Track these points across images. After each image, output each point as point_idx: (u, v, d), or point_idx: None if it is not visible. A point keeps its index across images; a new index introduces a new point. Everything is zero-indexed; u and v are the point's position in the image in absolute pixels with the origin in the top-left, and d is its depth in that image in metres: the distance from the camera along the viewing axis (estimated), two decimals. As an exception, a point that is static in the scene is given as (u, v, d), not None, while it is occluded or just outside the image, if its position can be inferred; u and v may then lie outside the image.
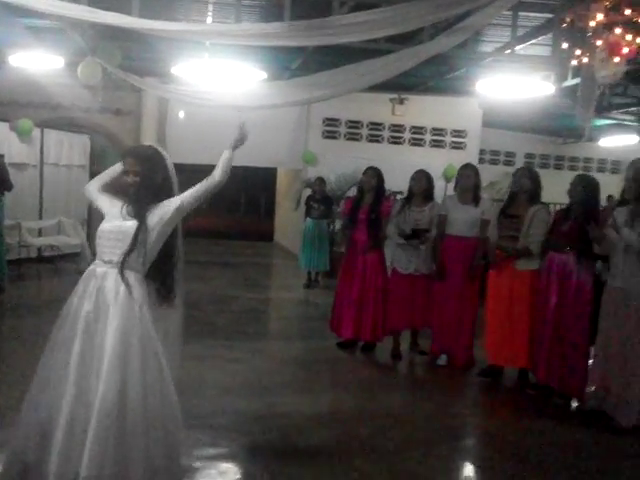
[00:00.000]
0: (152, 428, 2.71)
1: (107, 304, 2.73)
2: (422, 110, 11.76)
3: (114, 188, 3.03)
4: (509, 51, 7.08)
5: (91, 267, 2.85)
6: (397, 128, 11.99)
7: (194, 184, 2.92)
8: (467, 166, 5.49)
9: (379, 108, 11.67)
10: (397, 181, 7.52)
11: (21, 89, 9.70)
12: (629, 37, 4.38)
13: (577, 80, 6.23)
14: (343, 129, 11.90)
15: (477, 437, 4.11)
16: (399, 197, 6.69)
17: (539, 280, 4.68)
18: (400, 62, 5.57)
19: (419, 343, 5.75)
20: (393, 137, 12.02)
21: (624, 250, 4.07)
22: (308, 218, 9.17)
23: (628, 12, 4.39)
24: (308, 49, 7.74)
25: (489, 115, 11.80)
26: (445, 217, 5.27)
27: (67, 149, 10.21)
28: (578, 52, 4.76)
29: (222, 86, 7.20)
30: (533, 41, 7.25)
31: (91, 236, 3.07)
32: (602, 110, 10.23)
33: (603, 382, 4.25)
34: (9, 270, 7.74)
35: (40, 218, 9.67)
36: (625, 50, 4.34)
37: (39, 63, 7.83)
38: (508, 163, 14.50)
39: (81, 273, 2.90)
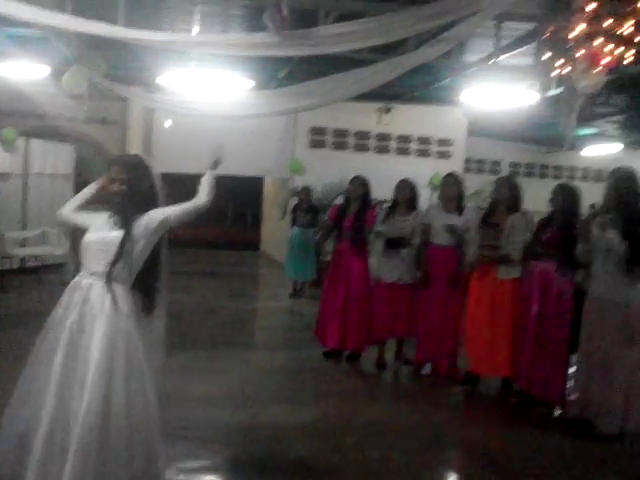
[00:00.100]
0: (134, 439, 2.69)
1: (92, 315, 2.71)
2: (408, 119, 11.83)
3: (99, 198, 3.02)
4: (493, 61, 7.15)
5: (76, 278, 2.83)
6: (383, 137, 12.05)
7: (181, 194, 2.92)
8: (450, 175, 5.53)
9: (365, 117, 11.74)
10: (383, 190, 7.53)
11: (6, 98, 9.65)
12: (610, 47, 4.43)
13: (561, 89, 6.30)
14: (329, 138, 11.94)
15: (461, 446, 4.11)
16: (385, 206, 6.71)
17: (521, 288, 4.71)
18: (384, 72, 5.61)
19: (404, 352, 5.75)
20: (379, 146, 12.08)
21: (604, 258, 4.11)
22: (294, 227, 9.17)
23: (609, 23, 4.44)
24: (295, 59, 7.77)
25: (475, 124, 11.89)
26: (429, 226, 5.29)
27: (52, 158, 10.15)
28: (560, 62, 4.80)
29: (209, 95, 7.21)
30: (517, 51, 7.32)
31: (75, 247, 3.05)
32: (585, 119, 10.35)
33: (585, 390, 4.27)
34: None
35: (24, 228, 9.59)
36: (605, 60, 4.38)
37: (24, 72, 7.79)
38: (494, 172, 14.57)
39: (65, 284, 2.87)
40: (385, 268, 5.45)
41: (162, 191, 2.94)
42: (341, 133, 11.94)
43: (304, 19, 6.16)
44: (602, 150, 13.44)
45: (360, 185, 5.69)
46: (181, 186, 3.49)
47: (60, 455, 2.57)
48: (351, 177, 5.84)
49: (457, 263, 5.19)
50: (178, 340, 5.61)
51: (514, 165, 15.05)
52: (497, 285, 4.80)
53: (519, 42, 7.14)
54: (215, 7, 6.30)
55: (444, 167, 9.90)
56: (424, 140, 12.16)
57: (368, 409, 4.61)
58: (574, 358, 4.52)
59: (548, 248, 4.55)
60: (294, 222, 9.20)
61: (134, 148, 10.29)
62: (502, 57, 7.22)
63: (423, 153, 12.18)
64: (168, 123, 10.75)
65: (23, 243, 9.45)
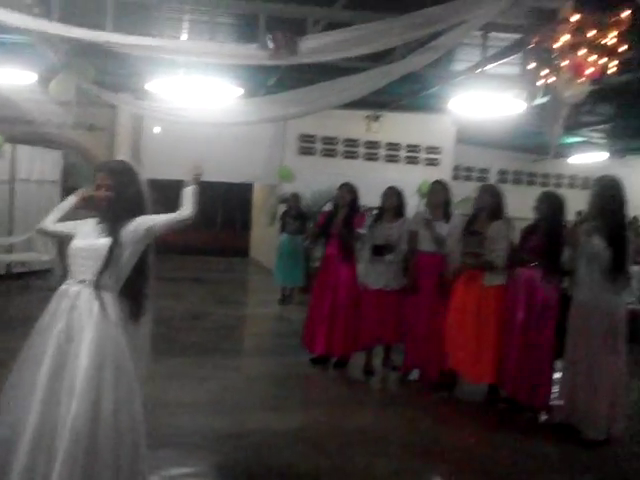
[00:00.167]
0: (121, 446, 2.67)
1: (80, 324, 2.70)
2: (397, 127, 11.90)
3: (86, 205, 3.01)
4: (480, 70, 7.22)
5: (63, 286, 2.81)
6: (372, 145, 12.11)
7: (170, 200, 2.92)
8: (437, 182, 5.58)
9: (354, 125, 11.79)
10: (372, 197, 7.57)
11: (-7, 104, 9.62)
12: (593, 58, 4.50)
13: (546, 99, 6.37)
14: (319, 145, 11.98)
15: (448, 452, 4.12)
16: (374, 213, 6.74)
17: (506, 295, 4.74)
18: (373, 80, 5.64)
19: (392, 359, 5.77)
20: (368, 153, 12.13)
21: (589, 265, 4.16)
22: (283, 233, 9.19)
23: (592, 33, 4.50)
24: (283, 66, 7.80)
25: (463, 132, 11.98)
26: (416, 233, 5.32)
27: (39, 164, 10.11)
28: (545, 72, 4.86)
29: (198, 102, 7.21)
30: (504, 60, 7.40)
31: (62, 253, 3.04)
32: (572, 128, 10.47)
33: (570, 396, 4.31)
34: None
35: (10, 234, 9.52)
36: (589, 70, 4.45)
37: (12, 79, 7.76)
38: (482, 179, 14.68)
39: (52, 290, 2.86)
40: (372, 275, 5.47)
41: (150, 197, 2.93)
42: (330, 140, 11.99)
43: (293, 27, 6.20)
44: (589, 158, 13.58)
45: (348, 192, 5.72)
46: (170, 192, 3.48)
47: (46, 461, 2.56)
48: (340, 184, 5.87)
49: (444, 270, 5.22)
50: (166, 346, 5.61)
51: (502, 173, 15.17)
52: (482, 292, 4.82)
53: (506, 52, 7.22)
54: (203, 15, 6.32)
55: (433, 174, 9.93)
56: (413, 148, 12.23)
57: (355, 415, 4.61)
58: (560, 364, 4.56)
59: (533, 255, 4.59)
60: (283, 229, 9.21)
61: (122, 154, 10.26)
62: (489, 66, 7.30)
63: (412, 160, 12.25)
64: (157, 129, 10.74)
65: (10, 249, 9.39)
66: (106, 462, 2.62)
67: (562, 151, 13.15)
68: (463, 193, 11.78)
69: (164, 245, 3.39)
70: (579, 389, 4.22)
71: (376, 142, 12.10)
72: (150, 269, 2.96)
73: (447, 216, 5.34)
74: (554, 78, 4.71)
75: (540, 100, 7.56)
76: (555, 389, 4.60)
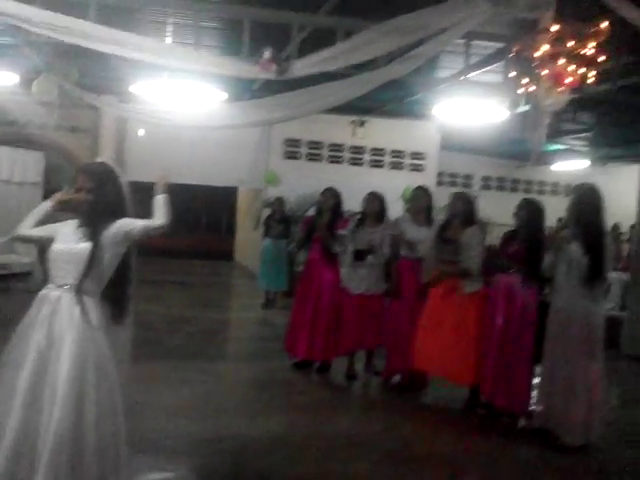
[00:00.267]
0: (104, 451, 2.66)
1: (61, 329, 2.68)
2: (382, 132, 11.95)
3: (66, 207, 2.99)
4: (463, 78, 7.28)
5: (44, 291, 2.79)
6: (357, 150, 12.15)
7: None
8: (419, 188, 5.62)
9: (340, 130, 11.83)
10: (357, 202, 7.59)
11: (-26, 105, 9.53)
12: (572, 68, 4.56)
13: (528, 107, 6.45)
14: (304, 150, 11.99)
15: (427, 457, 4.14)
16: (357, 218, 6.76)
17: (485, 300, 4.77)
18: (356, 86, 5.67)
19: (374, 363, 5.78)
20: (353, 158, 12.17)
21: (567, 271, 4.21)
22: (267, 238, 9.18)
23: (571, 44, 4.57)
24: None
25: (447, 138, 12.06)
26: (399, 238, 5.35)
27: (20, 166, 9.98)
28: (525, 80, 4.92)
29: (182, 106, 7.19)
30: (487, 68, 7.48)
31: (43, 256, 3.00)
32: (554, 136, 10.59)
33: (548, 401, 4.35)
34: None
35: (-10, 236, 9.41)
36: (568, 80, 4.51)
37: (-6, 79, 7.70)
38: (466, 185, 14.79)
39: (32, 293, 2.84)
40: (353, 280, 5.48)
41: (131, 199, 2.92)
42: (315, 145, 12.01)
43: (277, 32, 6.22)
44: (571, 166, 13.74)
45: (331, 196, 5.75)
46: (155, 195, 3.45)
47: (28, 467, 2.54)
48: (323, 189, 5.89)
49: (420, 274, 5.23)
50: (147, 350, 5.58)
51: (486, 179, 15.29)
52: (460, 298, 4.82)
53: (489, 60, 7.30)
54: (187, 19, 6.31)
55: (417, 180, 10.01)
56: (397, 153, 12.29)
57: (336, 420, 4.62)
58: (538, 369, 4.60)
59: (513, 261, 4.64)
60: (267, 233, 9.20)
61: (106, 157, 10.20)
62: (472, 74, 7.37)
63: (396, 166, 12.31)
64: (141, 132, 10.70)
65: (-10, 251, 9.27)
66: (90, 466, 2.61)
67: (544, 158, 13.28)
68: (447, 199, 11.89)
69: (148, 248, 3.38)
70: (557, 395, 4.26)
71: (361, 147, 12.15)
72: (132, 271, 2.94)
73: (429, 222, 5.38)
74: (534, 87, 4.77)
75: (522, 108, 7.66)
76: (534, 394, 4.64)
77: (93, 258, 2.72)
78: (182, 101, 7.40)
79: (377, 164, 12.24)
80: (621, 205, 8.24)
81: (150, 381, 4.87)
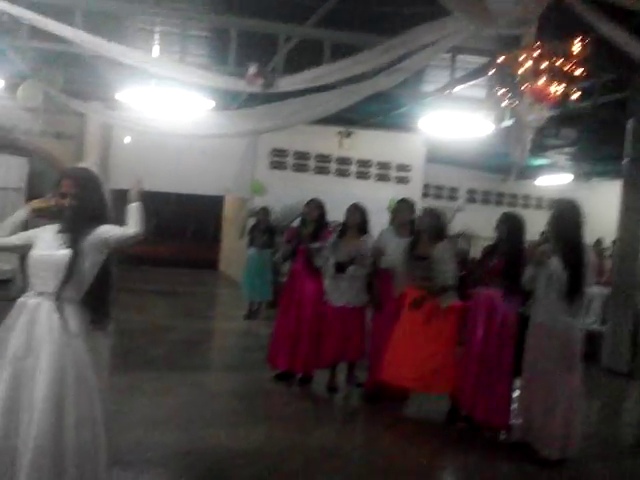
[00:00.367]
0: (84, 460, 2.63)
1: (40, 338, 2.65)
2: (368, 144, 12.03)
3: (40, 215, 2.96)
4: (448, 92, 7.36)
5: (22, 299, 2.76)
6: (344, 161, 12.21)
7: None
8: (403, 200, 5.65)
9: (327, 141, 11.88)
10: (343, 213, 7.62)
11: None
12: (554, 84, 4.63)
13: (512, 121, 6.53)
14: (291, 160, 12.02)
15: (407, 470, 4.12)
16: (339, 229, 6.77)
17: (460, 313, 4.78)
18: (342, 98, 5.74)
19: (356, 375, 5.77)
20: (340, 169, 12.22)
21: (546, 285, 4.24)
22: (251, 247, 9.15)
23: (552, 61, 4.64)
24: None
25: (433, 151, 12.16)
26: (381, 250, 5.35)
27: (3, 171, 9.91)
28: (508, 96, 4.98)
29: (169, 114, 7.19)
30: (472, 83, 7.56)
31: (23, 264, 2.96)
32: (538, 151, 10.71)
33: (527, 415, 4.36)
34: None
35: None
36: (549, 96, 4.57)
37: (-22, 84, 7.66)
38: (452, 198, 14.91)
39: (12, 300, 2.80)
40: (335, 291, 5.48)
41: (113, 207, 2.90)
42: (302, 155, 12.04)
43: (265, 42, 6.25)
44: (554, 180, 13.89)
45: (316, 207, 5.75)
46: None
47: (9, 475, 2.51)
48: (307, 200, 5.89)
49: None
50: (128, 359, 5.53)
51: (471, 192, 15.40)
52: (437, 313, 4.76)
53: (474, 74, 7.39)
54: (175, 28, 6.33)
55: (403, 192, 10.05)
56: (384, 165, 12.36)
57: (316, 432, 4.59)
58: (518, 382, 4.61)
59: (493, 275, 4.66)
60: (251, 242, 9.18)
61: (90, 163, 10.14)
62: (458, 88, 7.45)
63: (382, 178, 12.37)
64: (127, 139, 10.66)
65: (-30, 257, 9.14)
66: (70, 472, 2.58)
67: (527, 172, 13.42)
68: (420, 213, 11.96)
69: (132, 256, 3.35)
70: (535, 408, 4.28)
71: (347, 158, 12.21)
72: (113, 277, 2.91)
73: (413, 233, 5.38)
74: (517, 102, 4.83)
75: (507, 122, 7.75)
76: (513, 408, 4.65)
77: (73, 265, 2.69)
78: (169, 109, 7.40)
79: (363, 175, 12.29)
80: (603, 220, 8.33)
81: (131, 391, 4.83)
